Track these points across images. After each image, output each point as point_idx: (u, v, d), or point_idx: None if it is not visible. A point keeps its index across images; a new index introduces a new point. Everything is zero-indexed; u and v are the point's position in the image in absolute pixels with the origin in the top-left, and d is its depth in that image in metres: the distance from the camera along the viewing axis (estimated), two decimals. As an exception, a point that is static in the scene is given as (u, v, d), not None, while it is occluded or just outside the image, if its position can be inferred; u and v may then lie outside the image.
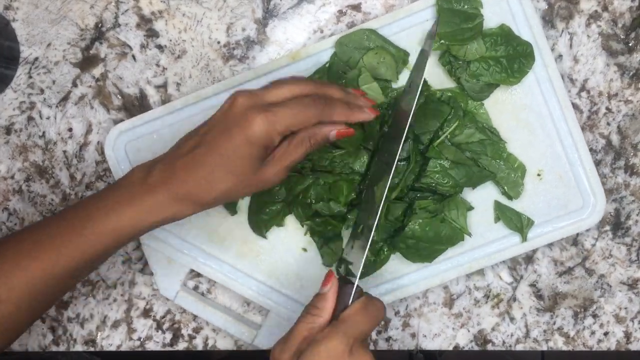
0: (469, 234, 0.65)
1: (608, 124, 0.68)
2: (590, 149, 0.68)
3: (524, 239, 0.66)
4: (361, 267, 0.54)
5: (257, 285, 0.68)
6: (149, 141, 0.68)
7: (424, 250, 0.64)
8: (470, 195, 0.66)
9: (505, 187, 0.65)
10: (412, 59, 0.65)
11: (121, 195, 0.52)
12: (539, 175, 0.66)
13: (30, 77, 0.71)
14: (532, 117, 0.66)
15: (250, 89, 0.52)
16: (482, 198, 0.66)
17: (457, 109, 0.64)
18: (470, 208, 0.66)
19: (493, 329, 0.70)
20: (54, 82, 0.71)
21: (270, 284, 0.68)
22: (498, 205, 0.66)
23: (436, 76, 0.66)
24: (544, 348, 0.70)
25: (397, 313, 0.70)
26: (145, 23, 0.70)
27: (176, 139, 0.67)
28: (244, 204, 0.67)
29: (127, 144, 0.68)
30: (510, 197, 0.66)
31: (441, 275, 0.66)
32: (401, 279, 0.67)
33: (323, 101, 0.52)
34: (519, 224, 0.66)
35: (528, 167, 0.66)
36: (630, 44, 0.68)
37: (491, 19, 0.65)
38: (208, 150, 0.51)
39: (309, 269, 0.67)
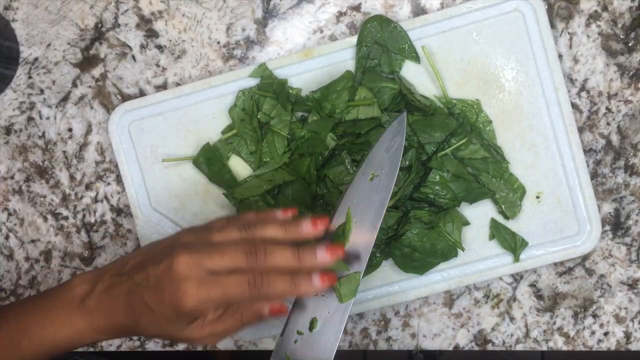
0: (462, 249, 0.65)
1: (608, 124, 0.68)
2: (590, 149, 0.68)
3: (517, 259, 0.66)
4: None
5: None
6: (153, 122, 0.68)
7: (417, 262, 0.65)
8: (467, 210, 0.66)
9: (503, 207, 0.65)
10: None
11: (58, 314, 0.54)
12: (537, 197, 0.66)
13: (30, 77, 0.71)
14: (538, 139, 0.66)
15: (194, 242, 0.51)
16: (478, 214, 0.66)
17: (465, 124, 0.64)
18: (466, 223, 0.66)
19: (493, 329, 0.70)
20: (53, 82, 0.71)
21: None
22: (494, 223, 0.66)
23: (455, 86, 0.66)
24: (544, 348, 0.70)
25: (397, 313, 0.70)
26: (145, 23, 0.70)
27: (181, 123, 0.67)
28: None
29: (131, 123, 0.68)
30: (506, 217, 0.66)
31: (431, 286, 0.67)
32: (391, 286, 0.67)
33: (262, 282, 0.49)
34: (513, 244, 0.66)
35: (528, 188, 0.66)
36: (630, 44, 0.68)
37: (507, 37, 0.65)
38: (141, 304, 0.51)
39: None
